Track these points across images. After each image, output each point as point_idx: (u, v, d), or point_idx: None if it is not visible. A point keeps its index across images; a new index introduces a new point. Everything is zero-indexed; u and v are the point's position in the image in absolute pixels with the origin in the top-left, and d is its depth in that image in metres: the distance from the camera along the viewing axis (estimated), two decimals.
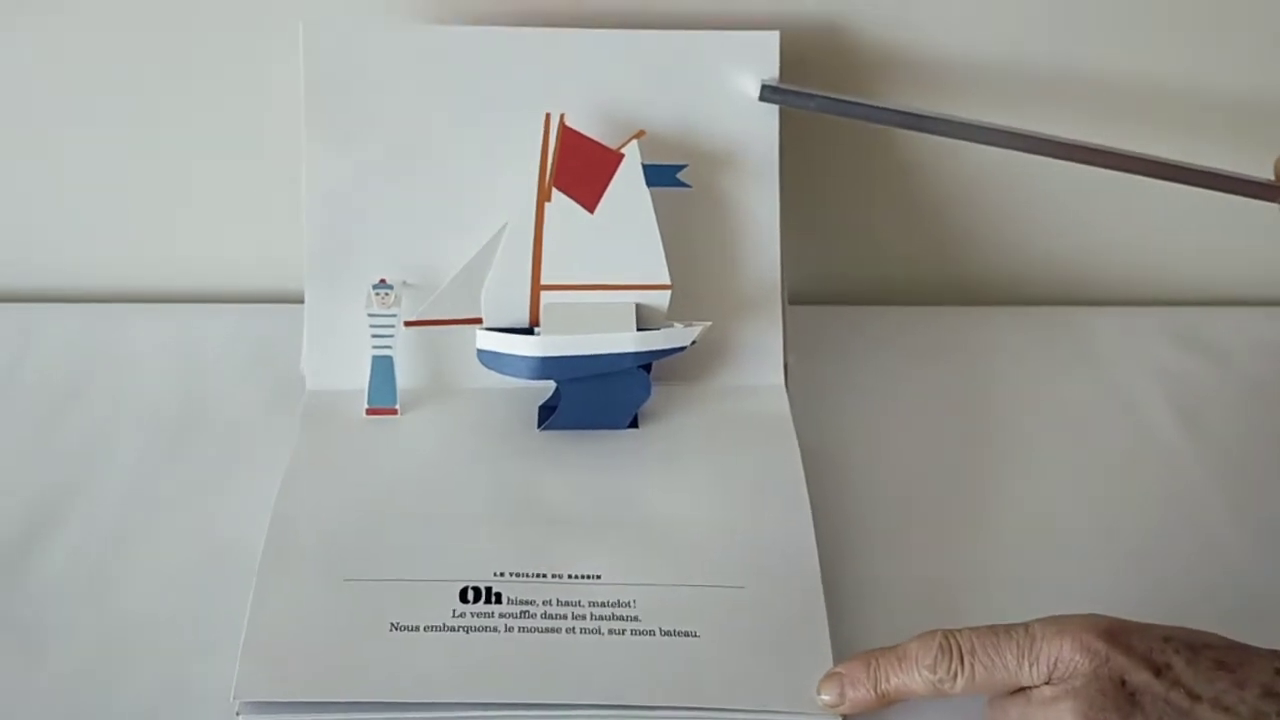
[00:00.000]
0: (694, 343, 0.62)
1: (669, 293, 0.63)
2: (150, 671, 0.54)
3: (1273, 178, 0.63)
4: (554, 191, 0.62)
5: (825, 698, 0.52)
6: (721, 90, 0.65)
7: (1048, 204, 0.74)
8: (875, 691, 0.52)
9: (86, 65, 0.68)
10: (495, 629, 0.54)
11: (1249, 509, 0.63)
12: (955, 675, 0.50)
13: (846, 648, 0.54)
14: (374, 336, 0.63)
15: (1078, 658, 0.49)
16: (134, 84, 0.69)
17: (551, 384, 0.64)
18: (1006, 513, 0.63)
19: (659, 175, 0.63)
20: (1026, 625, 0.50)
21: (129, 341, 0.70)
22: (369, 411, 0.64)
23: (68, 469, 0.63)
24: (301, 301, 0.66)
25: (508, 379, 0.63)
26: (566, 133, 0.61)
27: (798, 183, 0.69)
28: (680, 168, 0.65)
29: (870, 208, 0.74)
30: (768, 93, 0.64)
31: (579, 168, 0.61)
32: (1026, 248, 0.76)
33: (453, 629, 0.54)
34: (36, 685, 0.54)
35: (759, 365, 0.66)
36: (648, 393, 0.63)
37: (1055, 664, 0.49)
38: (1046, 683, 0.49)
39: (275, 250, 0.71)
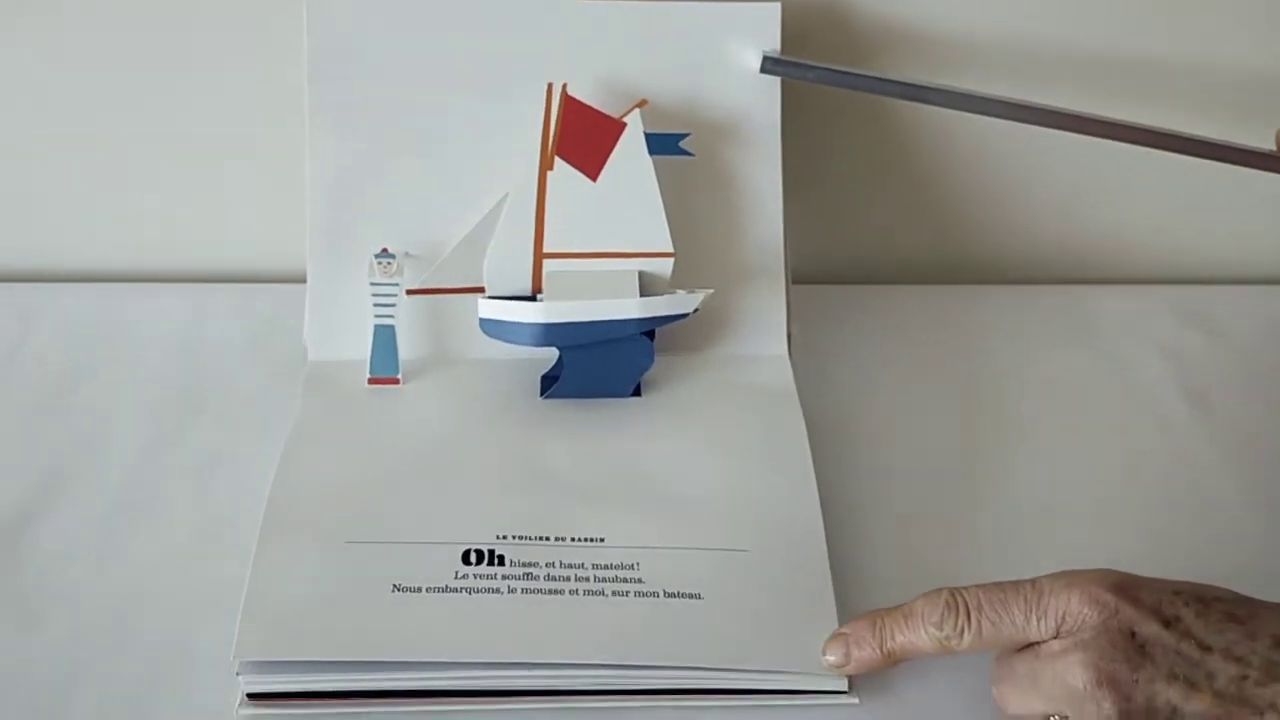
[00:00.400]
0: (697, 310, 0.62)
1: (672, 260, 0.62)
2: (150, 641, 0.54)
3: (1274, 148, 0.63)
4: (556, 160, 0.62)
5: (830, 658, 0.52)
6: (723, 61, 0.65)
7: (1051, 183, 0.74)
8: (881, 650, 0.51)
9: (88, 44, 0.68)
10: (498, 590, 0.54)
11: (1257, 485, 0.63)
12: (962, 632, 0.50)
13: (850, 611, 0.53)
14: (376, 306, 0.63)
15: (1086, 610, 0.48)
16: (134, 63, 0.69)
17: (554, 353, 0.63)
18: (1010, 485, 0.63)
19: (661, 144, 0.63)
20: (1034, 580, 0.50)
21: (130, 321, 0.70)
22: (371, 381, 0.63)
23: (70, 445, 0.63)
24: (303, 281, 0.66)
25: (510, 349, 0.63)
26: (569, 102, 0.61)
27: (799, 162, 0.69)
28: (683, 136, 0.64)
29: (871, 187, 0.74)
30: (769, 64, 0.64)
31: (581, 136, 0.61)
32: (1029, 226, 0.76)
33: (455, 590, 0.54)
34: (36, 655, 0.54)
35: (762, 334, 0.66)
36: (651, 360, 0.63)
37: (1063, 618, 0.48)
38: (1054, 637, 0.49)
39: (276, 229, 0.71)
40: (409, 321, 0.64)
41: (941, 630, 0.50)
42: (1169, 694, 0.47)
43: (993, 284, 0.76)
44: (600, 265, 0.62)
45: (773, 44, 0.65)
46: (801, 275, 0.69)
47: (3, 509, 0.59)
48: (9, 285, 0.72)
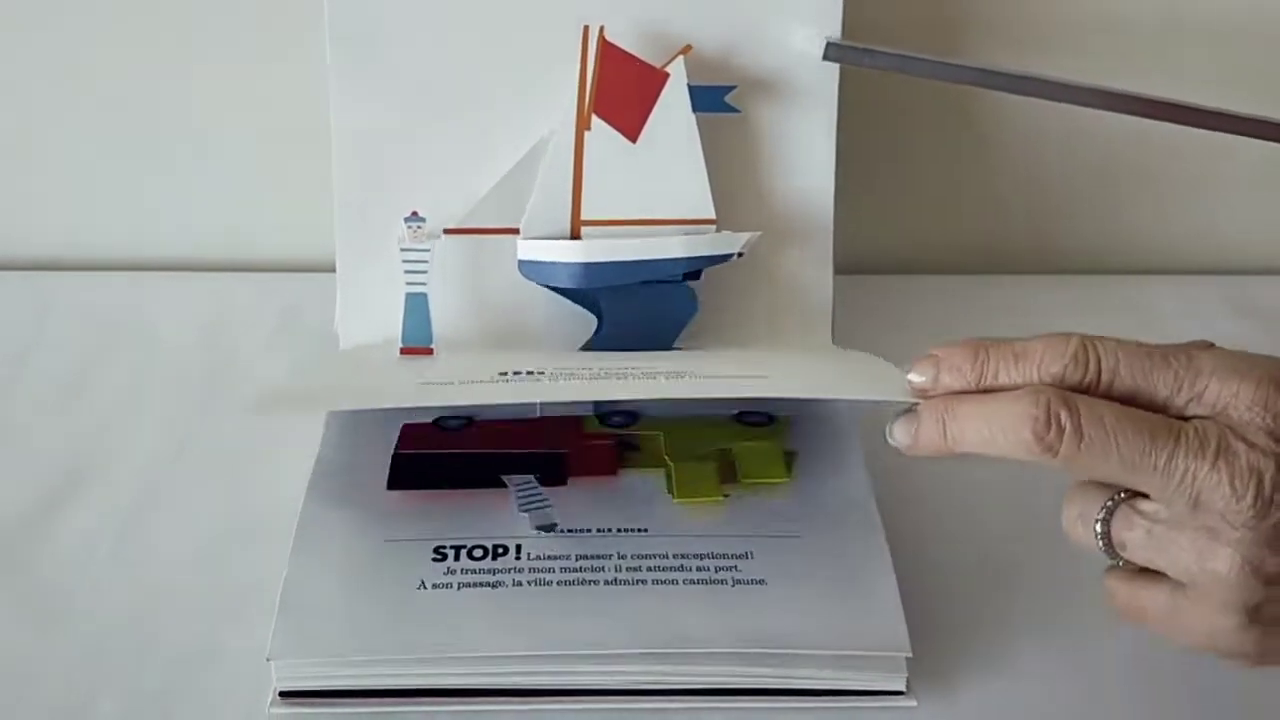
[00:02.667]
0: (742, 254, 0.59)
1: (714, 228, 0.59)
2: (177, 637, 0.52)
3: None
4: (594, 119, 0.58)
5: (916, 379, 0.46)
6: (774, 7, 0.60)
7: (1104, 172, 0.72)
8: (978, 385, 0.44)
9: (108, 30, 0.67)
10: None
11: None
12: (1089, 385, 0.42)
13: (911, 594, 0.51)
14: (407, 273, 0.59)
15: (1253, 412, 0.40)
16: (156, 49, 0.68)
17: (593, 324, 0.60)
18: (1059, 474, 0.60)
19: (706, 98, 0.59)
20: (1188, 352, 0.43)
21: (151, 310, 0.68)
22: (403, 351, 0.60)
23: (91, 437, 0.61)
24: (328, 270, 0.63)
25: (547, 317, 0.60)
26: (607, 49, 0.57)
27: (845, 149, 0.66)
28: (729, 89, 0.60)
29: (922, 173, 0.73)
30: (832, 51, 0.59)
31: (620, 90, 0.57)
32: (1083, 216, 0.74)
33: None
34: (59, 652, 0.52)
35: (807, 315, 0.63)
36: (693, 308, 0.60)
37: (1221, 409, 0.41)
38: (1205, 416, 0.41)
39: (299, 217, 0.70)
40: (441, 292, 0.60)
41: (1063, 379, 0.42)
42: None
43: (1041, 274, 0.74)
44: (640, 233, 0.59)
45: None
46: (844, 265, 0.66)
47: (23, 503, 0.58)
48: (28, 274, 0.71)
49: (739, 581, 0.52)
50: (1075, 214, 0.74)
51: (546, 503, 0.55)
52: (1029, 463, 0.43)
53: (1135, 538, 0.43)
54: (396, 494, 0.56)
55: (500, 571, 0.52)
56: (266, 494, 0.57)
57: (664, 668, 0.50)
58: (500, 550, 0.53)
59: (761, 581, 0.52)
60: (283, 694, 0.49)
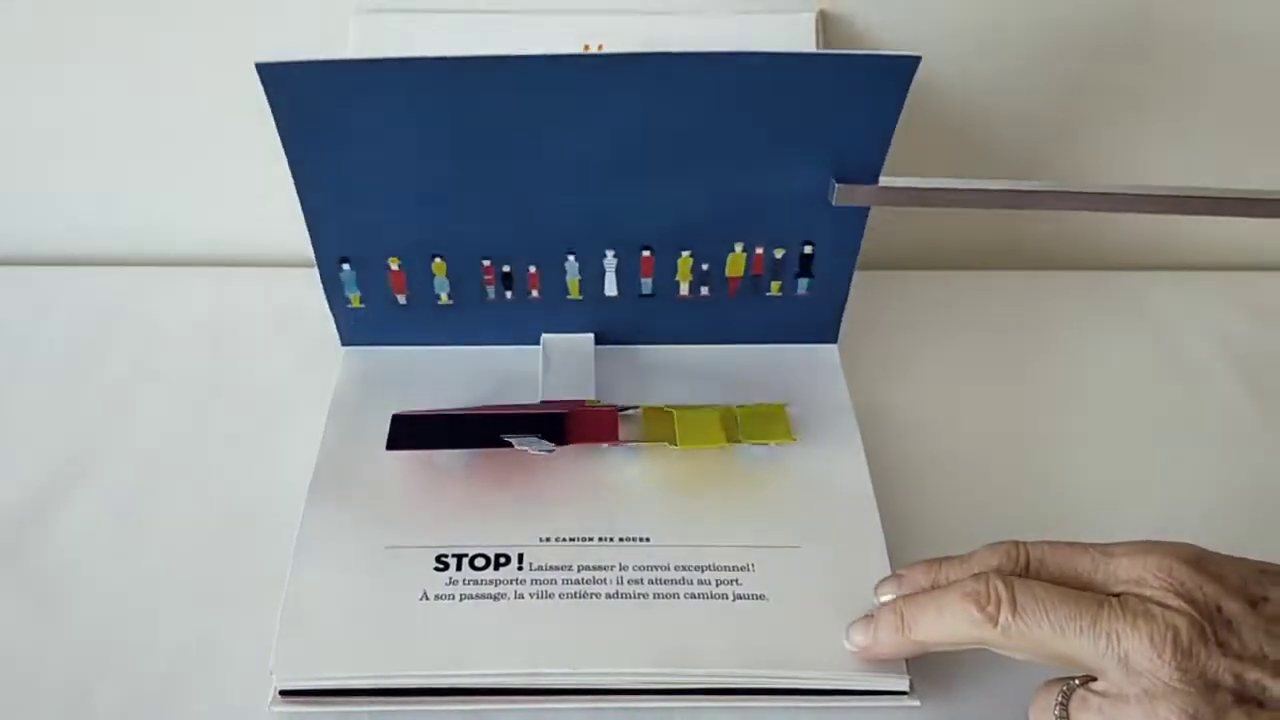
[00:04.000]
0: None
1: None
2: (176, 632, 0.52)
3: None
4: None
5: (884, 596, 0.51)
6: None
7: (1105, 172, 0.71)
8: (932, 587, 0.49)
9: (111, 27, 0.66)
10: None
11: None
12: (1023, 568, 0.47)
13: None
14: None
15: (1162, 578, 0.45)
16: (157, 47, 0.66)
17: None
18: (1069, 469, 0.61)
19: None
20: (1104, 545, 0.48)
21: (154, 305, 0.68)
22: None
23: (91, 430, 0.61)
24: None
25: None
26: None
27: None
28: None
29: (925, 170, 0.71)
30: (843, 194, 0.56)
31: None
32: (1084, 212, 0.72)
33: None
34: (59, 646, 0.52)
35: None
36: None
37: (1138, 580, 0.46)
38: (1118, 595, 0.46)
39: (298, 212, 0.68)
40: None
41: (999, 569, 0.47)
42: (1258, 675, 0.44)
43: (1047, 269, 0.73)
44: None
45: None
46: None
47: (24, 495, 0.58)
48: (28, 269, 0.70)
49: (740, 596, 0.52)
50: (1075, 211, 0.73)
51: (549, 447, 0.56)
52: (980, 646, 0.47)
53: (1090, 718, 0.46)
54: (398, 497, 0.55)
55: (502, 583, 0.52)
56: (267, 486, 0.57)
57: (669, 671, 0.50)
58: (502, 560, 0.53)
59: (762, 597, 0.52)
60: (283, 692, 0.49)
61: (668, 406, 0.59)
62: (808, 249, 0.61)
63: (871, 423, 0.60)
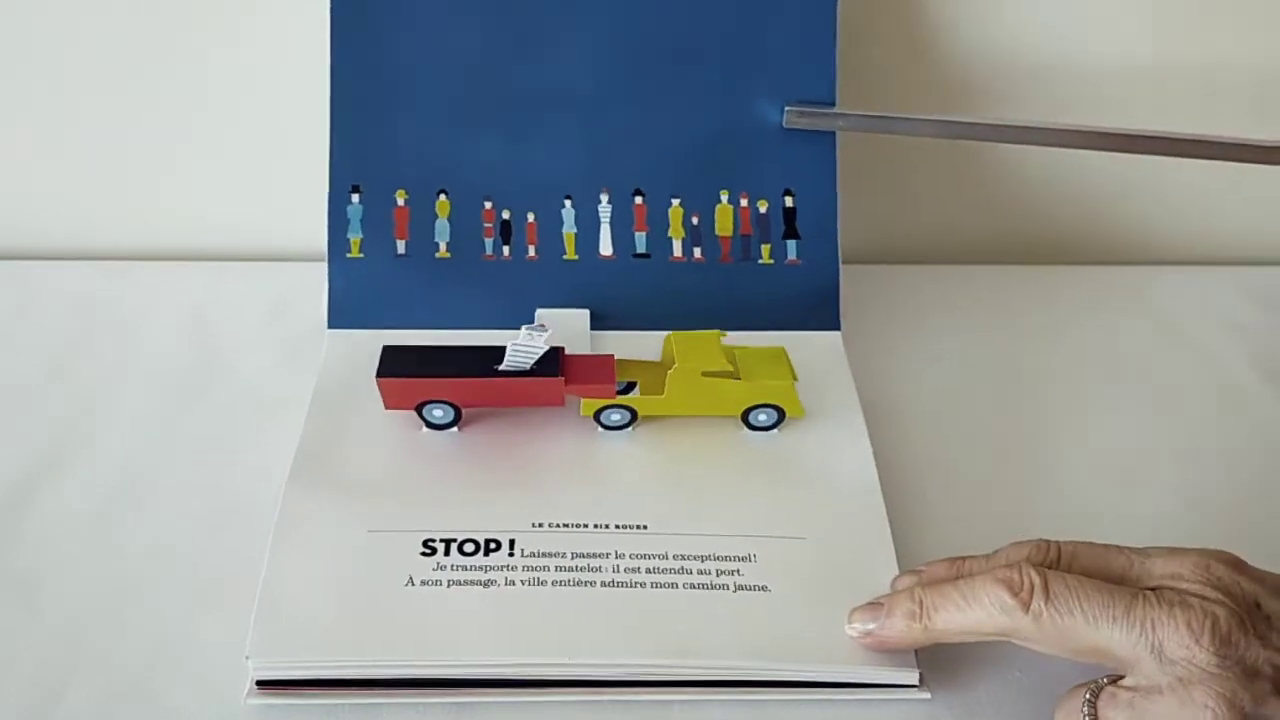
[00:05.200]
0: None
1: None
2: (154, 622, 0.50)
3: None
4: None
5: (902, 581, 0.49)
6: None
7: (1109, 164, 0.70)
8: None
9: (99, 20, 0.65)
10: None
11: None
12: (1054, 561, 0.46)
13: None
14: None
15: (1197, 573, 0.44)
16: (146, 40, 0.66)
17: None
18: (1078, 460, 0.59)
19: None
20: (1138, 548, 0.46)
21: (136, 297, 0.66)
22: None
23: (72, 420, 0.59)
24: (312, 260, 0.62)
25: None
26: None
27: (855, 142, 0.66)
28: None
29: (931, 165, 0.71)
30: (793, 117, 0.62)
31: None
32: (1091, 206, 0.72)
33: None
34: (37, 634, 0.50)
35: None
36: None
37: (1170, 578, 0.45)
38: (1155, 588, 0.45)
39: (288, 207, 0.68)
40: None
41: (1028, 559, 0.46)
42: None
43: (1052, 264, 0.72)
44: None
45: None
46: (857, 255, 0.66)
47: (3, 484, 0.55)
48: (11, 263, 0.69)
49: (741, 587, 0.50)
50: (1086, 204, 0.72)
51: (545, 330, 0.54)
52: (1004, 637, 0.46)
53: (1119, 714, 0.44)
54: (383, 480, 0.53)
55: (493, 569, 0.50)
56: (248, 479, 0.55)
57: (666, 660, 0.47)
58: (493, 545, 0.51)
59: (764, 588, 0.50)
60: (260, 683, 0.46)
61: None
62: (788, 200, 0.63)
63: (875, 416, 0.58)
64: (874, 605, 0.48)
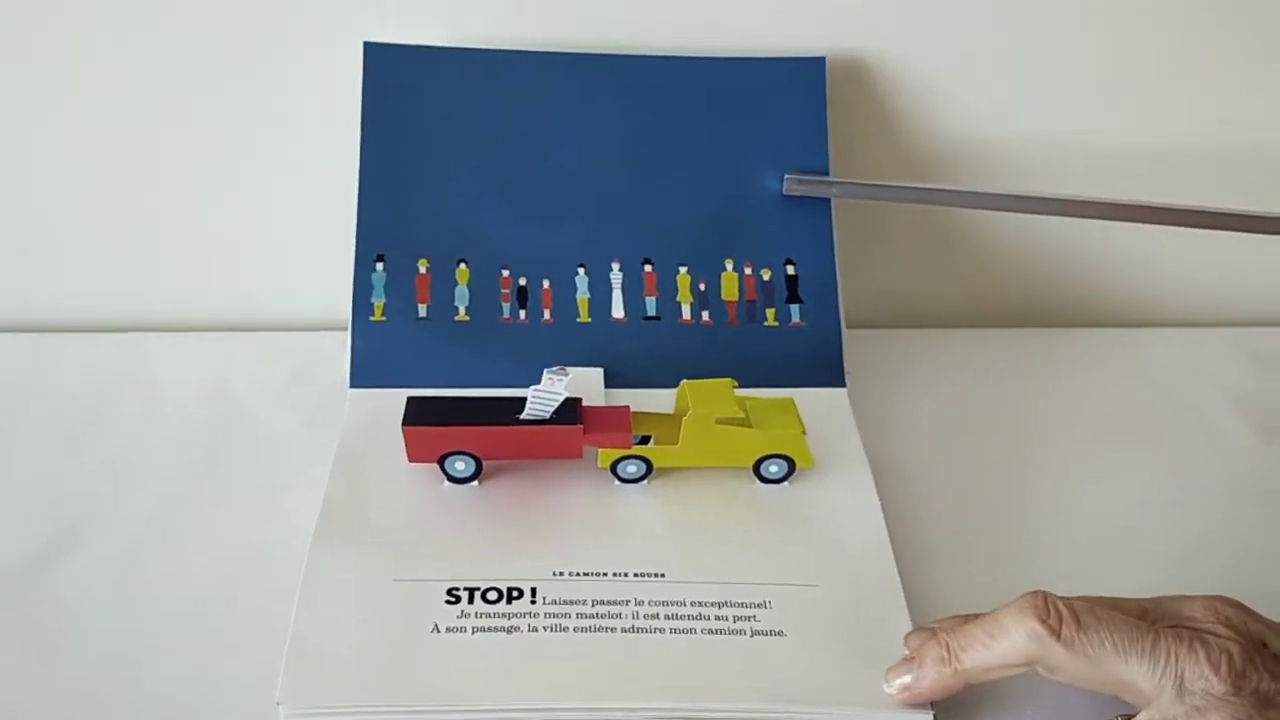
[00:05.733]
0: None
1: None
2: (175, 680, 0.51)
3: None
4: None
5: (915, 638, 0.50)
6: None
7: (1099, 230, 0.71)
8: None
9: (118, 94, 0.67)
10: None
11: None
12: (1061, 625, 0.46)
13: None
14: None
15: (1212, 613, 0.46)
16: (165, 116, 0.68)
17: None
18: (1077, 517, 0.60)
19: None
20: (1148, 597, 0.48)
21: (157, 366, 0.68)
22: None
23: (94, 485, 0.60)
24: (332, 329, 0.65)
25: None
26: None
27: (850, 208, 0.69)
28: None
29: (923, 233, 0.73)
30: (792, 184, 0.66)
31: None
32: (1080, 271, 0.74)
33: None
34: (57, 694, 0.50)
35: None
36: None
37: (1184, 619, 0.46)
38: (1172, 626, 0.46)
39: (308, 277, 0.70)
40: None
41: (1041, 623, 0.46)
42: None
43: (1045, 327, 0.74)
44: None
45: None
46: (857, 320, 0.68)
47: (25, 549, 0.56)
48: (32, 336, 0.70)
49: (758, 632, 0.51)
50: (1080, 265, 0.74)
51: (565, 375, 0.56)
52: (1029, 668, 0.47)
53: None
54: (406, 532, 0.55)
55: (516, 616, 0.51)
56: (271, 542, 0.56)
57: (686, 703, 0.48)
58: (515, 593, 0.52)
59: (780, 633, 0.51)
60: None
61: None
62: (790, 269, 0.66)
63: (878, 472, 0.59)
64: (906, 660, 0.49)
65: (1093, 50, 0.69)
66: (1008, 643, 0.46)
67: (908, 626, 0.52)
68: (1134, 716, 0.46)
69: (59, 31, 0.66)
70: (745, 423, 0.57)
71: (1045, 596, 0.47)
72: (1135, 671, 0.45)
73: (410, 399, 0.57)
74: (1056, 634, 0.45)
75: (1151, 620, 0.47)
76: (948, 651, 0.48)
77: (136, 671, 0.51)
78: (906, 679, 0.49)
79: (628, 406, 0.58)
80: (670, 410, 0.59)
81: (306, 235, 0.70)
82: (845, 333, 0.66)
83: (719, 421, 0.57)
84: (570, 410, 0.56)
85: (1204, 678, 0.44)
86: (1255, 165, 0.71)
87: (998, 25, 0.68)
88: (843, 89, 0.68)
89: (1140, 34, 0.68)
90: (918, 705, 0.49)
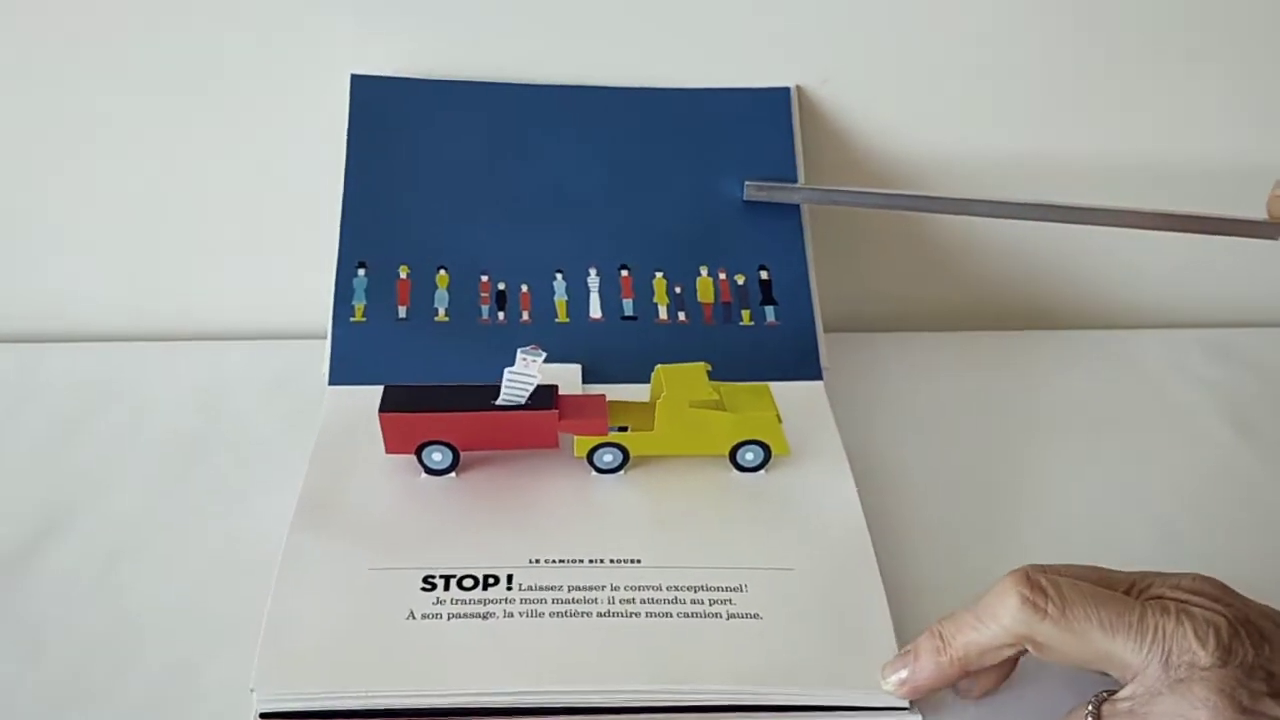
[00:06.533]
0: None
1: None
2: (155, 671, 0.51)
3: (1267, 216, 0.63)
4: None
5: (892, 678, 0.49)
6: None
7: (1073, 238, 0.73)
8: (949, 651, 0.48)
9: (98, 102, 0.68)
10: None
11: None
12: (1047, 603, 0.46)
13: (903, 624, 0.51)
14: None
15: (1200, 585, 0.46)
16: (151, 128, 0.68)
17: None
18: (1060, 512, 0.60)
19: None
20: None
21: (141, 376, 0.68)
22: None
23: (76, 485, 0.60)
24: (309, 338, 0.65)
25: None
26: None
27: (828, 211, 0.69)
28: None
29: (900, 238, 0.74)
30: (752, 190, 0.67)
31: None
32: (1060, 272, 0.75)
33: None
34: (38, 685, 0.50)
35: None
36: None
37: (1170, 592, 0.47)
38: (1158, 597, 0.46)
39: (289, 285, 0.71)
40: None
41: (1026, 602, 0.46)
42: None
43: (1024, 329, 0.75)
44: None
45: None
46: (834, 325, 0.68)
47: (6, 549, 0.56)
48: (15, 346, 0.70)
49: (734, 615, 0.51)
50: (1054, 270, 0.75)
51: (541, 355, 0.56)
52: (1019, 647, 0.47)
53: None
54: (383, 522, 0.55)
55: (491, 602, 0.51)
56: (251, 531, 0.56)
57: (662, 686, 0.48)
58: (491, 580, 0.52)
59: (756, 615, 0.51)
60: (264, 715, 0.47)
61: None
62: (764, 274, 0.67)
63: (857, 468, 0.59)
64: (902, 655, 0.49)
65: (1061, 64, 0.70)
66: (996, 625, 0.46)
67: (885, 607, 0.52)
68: (1116, 693, 0.46)
69: (52, 46, 0.66)
70: (720, 406, 0.58)
71: (1029, 574, 0.46)
72: (1122, 646, 0.45)
73: (388, 387, 0.58)
74: (1043, 611, 0.45)
75: (1138, 593, 0.47)
76: (941, 640, 0.48)
77: (116, 655, 0.51)
78: (903, 674, 0.48)
79: (604, 395, 0.59)
80: (646, 401, 0.60)
81: (291, 248, 0.70)
82: (821, 335, 0.66)
83: (693, 404, 0.57)
84: (546, 397, 0.57)
85: (1191, 650, 0.44)
86: (1217, 170, 0.72)
87: (961, 46, 0.69)
88: (812, 117, 0.70)
89: (1103, 45, 0.70)
90: (917, 697, 0.48)
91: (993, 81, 0.70)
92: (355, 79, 0.67)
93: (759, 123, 0.69)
